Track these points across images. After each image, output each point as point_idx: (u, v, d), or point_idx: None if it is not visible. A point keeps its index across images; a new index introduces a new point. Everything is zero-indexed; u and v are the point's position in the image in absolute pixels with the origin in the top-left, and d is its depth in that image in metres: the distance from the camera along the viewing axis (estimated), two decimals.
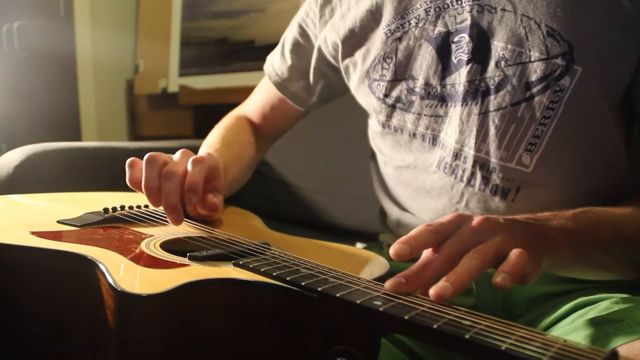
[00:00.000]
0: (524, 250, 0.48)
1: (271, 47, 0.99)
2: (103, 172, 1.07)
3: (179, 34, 2.01)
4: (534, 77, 0.68)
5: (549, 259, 0.55)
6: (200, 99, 1.97)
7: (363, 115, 0.89)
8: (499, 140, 0.70)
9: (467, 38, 0.71)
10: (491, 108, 0.70)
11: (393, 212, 0.84)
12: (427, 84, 0.74)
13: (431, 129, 0.75)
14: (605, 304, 0.61)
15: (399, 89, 0.77)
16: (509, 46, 0.69)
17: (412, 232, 0.51)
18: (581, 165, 0.70)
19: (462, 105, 0.71)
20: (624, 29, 0.66)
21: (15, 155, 0.98)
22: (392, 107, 0.78)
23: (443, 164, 0.74)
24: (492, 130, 0.70)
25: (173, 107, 2.03)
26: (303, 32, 0.91)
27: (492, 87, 0.70)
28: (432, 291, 0.45)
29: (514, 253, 0.48)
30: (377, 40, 0.78)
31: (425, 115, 0.75)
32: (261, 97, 1.00)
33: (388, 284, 0.47)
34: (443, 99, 0.73)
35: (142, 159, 0.68)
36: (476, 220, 0.52)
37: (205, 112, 1.96)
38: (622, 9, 0.65)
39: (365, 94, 0.82)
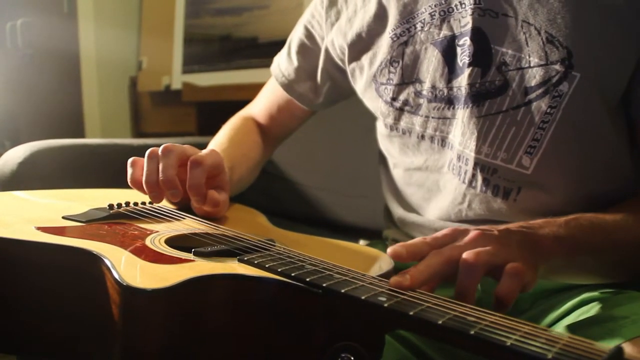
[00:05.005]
0: (518, 264, 0.50)
1: (274, 44, 0.99)
2: (106, 169, 1.07)
3: (182, 31, 2.01)
4: (533, 83, 0.68)
5: (543, 267, 0.56)
6: (203, 96, 1.97)
7: (367, 113, 0.89)
8: (499, 143, 0.70)
9: (469, 41, 0.71)
10: (491, 111, 0.70)
11: (398, 212, 0.84)
12: (433, 86, 0.74)
13: (440, 131, 0.75)
14: (610, 301, 0.62)
15: (407, 92, 0.77)
16: (510, 51, 0.69)
17: (411, 241, 0.55)
18: (581, 169, 0.70)
19: (463, 107, 0.72)
20: (622, 35, 0.66)
21: (19, 152, 0.98)
22: (400, 110, 0.78)
23: (452, 165, 0.74)
24: (492, 133, 0.70)
25: (176, 104, 2.03)
26: (309, 34, 0.91)
27: (493, 90, 0.70)
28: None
29: (509, 270, 0.50)
30: (384, 45, 0.78)
31: (432, 117, 0.75)
32: (268, 98, 1.00)
33: (393, 279, 0.49)
34: (450, 101, 0.73)
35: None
36: (471, 234, 0.55)
37: (209, 109, 1.95)
38: (620, 15, 0.65)
39: (373, 98, 0.82)
